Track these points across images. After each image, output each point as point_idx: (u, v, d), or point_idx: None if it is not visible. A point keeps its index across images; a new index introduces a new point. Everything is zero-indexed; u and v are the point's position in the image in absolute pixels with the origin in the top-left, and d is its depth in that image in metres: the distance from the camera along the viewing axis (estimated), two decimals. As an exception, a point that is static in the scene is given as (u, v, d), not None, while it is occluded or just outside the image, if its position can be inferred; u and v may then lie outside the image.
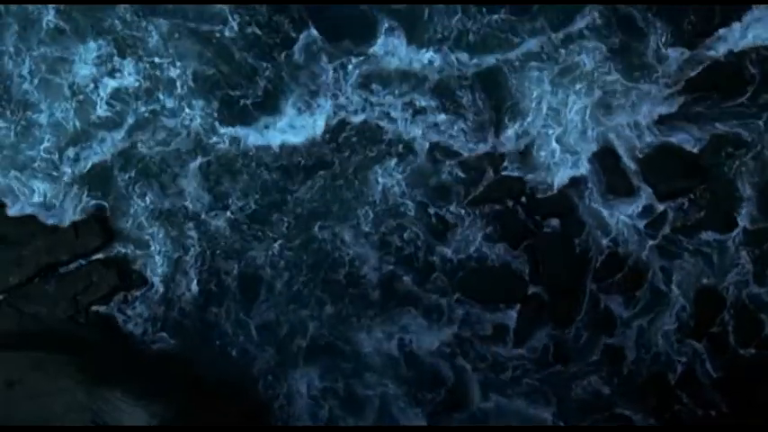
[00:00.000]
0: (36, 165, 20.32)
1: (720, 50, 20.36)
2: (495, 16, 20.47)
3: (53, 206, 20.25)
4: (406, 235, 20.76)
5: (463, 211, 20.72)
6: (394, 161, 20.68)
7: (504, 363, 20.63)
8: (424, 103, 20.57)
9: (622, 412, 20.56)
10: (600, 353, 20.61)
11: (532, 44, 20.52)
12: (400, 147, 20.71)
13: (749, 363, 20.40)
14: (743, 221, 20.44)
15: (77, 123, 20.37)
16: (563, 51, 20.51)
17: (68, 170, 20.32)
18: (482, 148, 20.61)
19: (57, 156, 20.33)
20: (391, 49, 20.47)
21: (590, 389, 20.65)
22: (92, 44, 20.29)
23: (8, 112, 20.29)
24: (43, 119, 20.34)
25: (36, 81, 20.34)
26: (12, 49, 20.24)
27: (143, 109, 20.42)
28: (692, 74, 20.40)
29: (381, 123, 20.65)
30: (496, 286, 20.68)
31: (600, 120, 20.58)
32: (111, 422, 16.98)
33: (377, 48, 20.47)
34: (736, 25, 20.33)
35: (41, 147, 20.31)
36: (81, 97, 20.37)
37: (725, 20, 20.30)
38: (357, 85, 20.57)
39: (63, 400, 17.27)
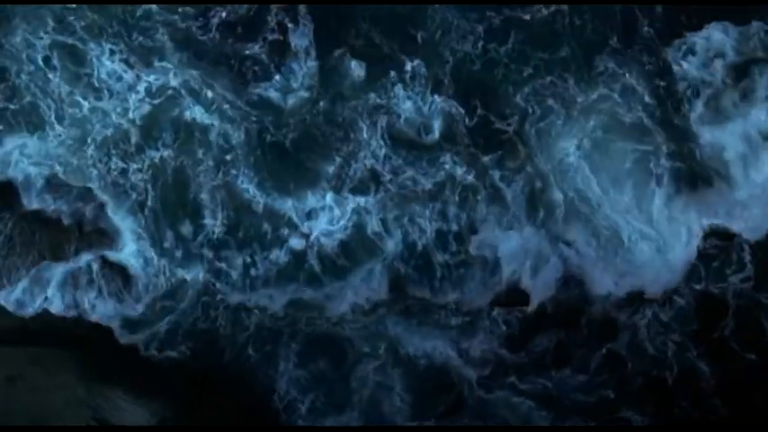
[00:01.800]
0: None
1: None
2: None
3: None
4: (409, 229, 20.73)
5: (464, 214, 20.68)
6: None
7: (504, 366, 20.58)
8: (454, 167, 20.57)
9: (622, 416, 20.51)
10: (601, 357, 20.55)
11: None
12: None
13: (750, 368, 20.32)
14: (746, 226, 20.42)
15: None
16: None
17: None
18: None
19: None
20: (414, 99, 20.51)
21: (590, 393, 20.59)
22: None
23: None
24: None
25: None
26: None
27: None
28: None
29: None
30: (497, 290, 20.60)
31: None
32: (110, 419, 16.93)
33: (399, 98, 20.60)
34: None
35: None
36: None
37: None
38: (386, 148, 20.59)
39: (63, 396, 17.27)
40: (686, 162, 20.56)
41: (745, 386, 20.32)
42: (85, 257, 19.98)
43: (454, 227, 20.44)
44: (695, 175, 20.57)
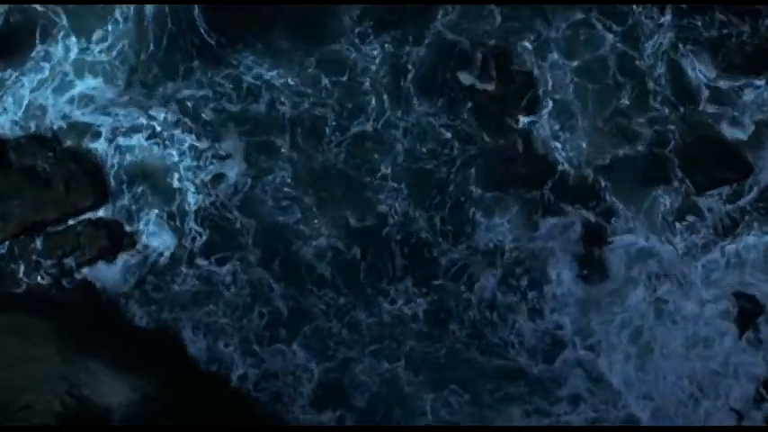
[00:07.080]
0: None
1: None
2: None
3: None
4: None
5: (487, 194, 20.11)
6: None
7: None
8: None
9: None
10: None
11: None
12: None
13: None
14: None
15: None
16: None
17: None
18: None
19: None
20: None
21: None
22: None
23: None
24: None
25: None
26: None
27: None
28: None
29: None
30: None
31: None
32: (87, 394, 16.03)
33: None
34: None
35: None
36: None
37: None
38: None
39: (40, 368, 16.36)
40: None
41: None
42: (73, 219, 19.28)
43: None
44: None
